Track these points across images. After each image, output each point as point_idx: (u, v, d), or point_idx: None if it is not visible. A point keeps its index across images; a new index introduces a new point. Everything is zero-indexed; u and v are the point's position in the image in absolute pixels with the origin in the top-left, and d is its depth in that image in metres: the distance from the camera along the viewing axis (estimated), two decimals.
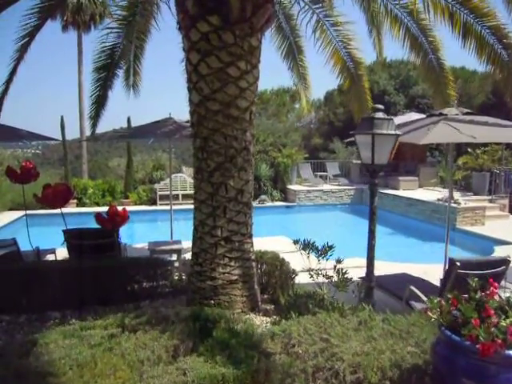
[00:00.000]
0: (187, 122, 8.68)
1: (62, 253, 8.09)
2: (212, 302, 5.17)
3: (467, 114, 5.51)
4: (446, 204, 11.79)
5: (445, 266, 6.37)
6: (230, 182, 5.11)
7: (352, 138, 4.38)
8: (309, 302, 4.02)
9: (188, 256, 7.62)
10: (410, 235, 11.70)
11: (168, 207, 13.76)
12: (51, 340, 2.38)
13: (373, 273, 4.21)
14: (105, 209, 4.79)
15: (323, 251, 4.06)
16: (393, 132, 3.77)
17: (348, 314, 3.27)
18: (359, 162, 19.11)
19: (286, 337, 2.90)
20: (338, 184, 17.05)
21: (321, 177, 17.78)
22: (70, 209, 14.23)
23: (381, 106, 3.82)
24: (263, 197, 15.04)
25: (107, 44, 7.13)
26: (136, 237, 12.09)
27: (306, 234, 10.97)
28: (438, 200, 12.24)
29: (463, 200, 11.86)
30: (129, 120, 15.01)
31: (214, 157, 5.06)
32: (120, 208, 4.38)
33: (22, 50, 6.87)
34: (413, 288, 4.86)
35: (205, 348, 2.26)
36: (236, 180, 5.14)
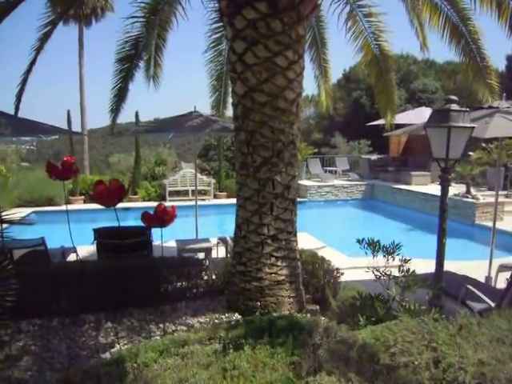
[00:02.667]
0: (212, 115, 8.44)
1: (83, 251, 7.82)
2: (258, 303, 4.95)
3: None
4: (464, 199, 11.67)
5: (490, 262, 6.20)
6: (277, 178, 4.88)
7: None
8: (376, 304, 3.80)
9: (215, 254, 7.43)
10: (428, 231, 11.51)
11: (179, 203, 13.58)
12: (149, 359, 2.12)
13: (442, 273, 3.99)
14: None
15: (390, 250, 3.83)
16: (469, 124, 3.56)
17: (437, 318, 3.05)
18: (368, 157, 18.98)
19: (381, 345, 2.68)
20: (348, 179, 16.87)
21: (330, 172, 17.59)
22: (78, 205, 13.92)
23: (455, 97, 3.60)
24: None
25: (132, 34, 6.83)
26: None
27: (320, 229, 10.81)
28: (455, 195, 12.08)
29: (481, 195, 11.72)
30: (137, 115, 14.66)
31: (260, 151, 4.82)
32: (168, 206, 4.12)
33: (43, 39, 6.58)
34: (471, 288, 4.66)
35: (329, 364, 2.02)
36: (283, 175, 4.92)
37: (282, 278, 4.98)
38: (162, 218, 4.10)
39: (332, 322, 2.75)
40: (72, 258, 7.16)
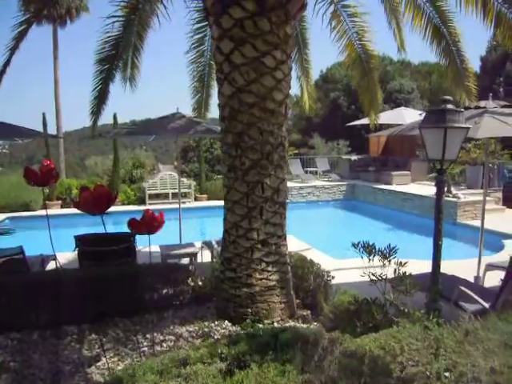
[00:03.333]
0: (195, 117, 8.26)
1: (62, 259, 7.53)
2: (249, 310, 4.81)
3: (505, 106, 5.34)
4: (445, 198, 11.77)
5: (479, 262, 6.20)
6: (266, 181, 4.75)
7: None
8: (373, 308, 3.71)
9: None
10: (410, 231, 11.60)
11: (159, 206, 13.31)
12: (149, 382, 1.95)
13: (439, 276, 3.94)
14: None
15: (387, 254, 3.75)
16: (464, 125, 3.51)
17: (440, 323, 2.98)
18: (348, 157, 19.06)
19: (387, 354, 2.58)
20: (329, 180, 16.88)
21: (311, 173, 17.58)
22: (55, 210, 13.48)
23: (450, 98, 3.54)
24: None
25: (112, 34, 6.61)
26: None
27: (303, 231, 10.73)
28: None
29: (461, 194, 11.86)
30: (115, 117, 14.31)
31: (249, 153, 4.69)
32: (156, 212, 3.94)
33: (18, 38, 6.30)
34: (464, 289, 4.63)
35: (344, 382, 1.90)
36: (273, 178, 4.80)
37: (273, 283, 4.86)
38: (151, 224, 3.93)
39: (336, 333, 2.64)
40: (51, 265, 6.90)
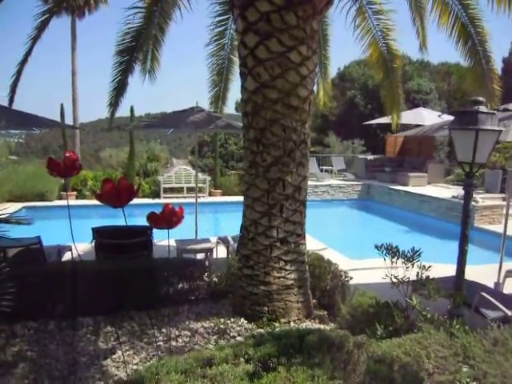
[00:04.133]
0: (214, 111, 8.21)
1: (78, 250, 7.54)
2: (266, 308, 4.76)
3: None
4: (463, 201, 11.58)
5: (500, 268, 6.06)
6: (287, 178, 4.68)
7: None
8: (394, 312, 3.63)
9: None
10: (427, 233, 11.42)
11: (173, 200, 13.31)
12: (172, 381, 1.90)
13: (463, 281, 3.84)
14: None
15: (410, 257, 3.66)
16: (497, 128, 3.40)
17: (467, 331, 2.89)
18: (364, 156, 18.88)
19: (413, 361, 2.50)
20: (344, 179, 16.74)
21: (326, 171, 17.44)
22: (70, 201, 13.56)
23: (481, 99, 3.43)
24: None
25: (133, 25, 6.57)
26: None
27: (318, 230, 10.64)
28: (453, 197, 12.00)
29: (480, 198, 11.64)
30: (132, 109, 14.35)
31: (271, 150, 4.62)
32: (176, 207, 3.89)
33: (41, 28, 6.31)
34: (486, 295, 4.52)
35: None
36: (294, 176, 4.73)
37: (291, 282, 4.80)
38: (170, 219, 3.86)
39: (362, 337, 2.57)
40: (67, 256, 6.92)
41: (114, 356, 4.25)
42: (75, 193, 13.84)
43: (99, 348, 4.41)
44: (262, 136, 4.62)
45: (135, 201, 12.66)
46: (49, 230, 8.04)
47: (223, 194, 15.55)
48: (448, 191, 13.28)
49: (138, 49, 6.91)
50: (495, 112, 3.49)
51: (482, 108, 3.39)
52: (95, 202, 12.65)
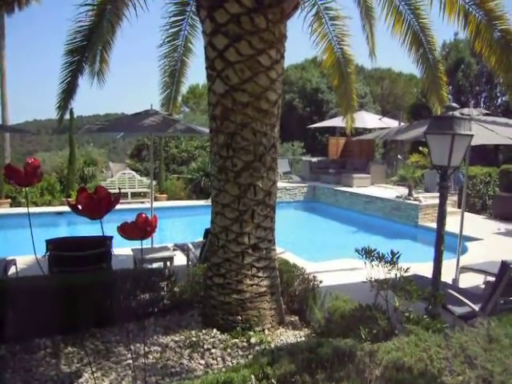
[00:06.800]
0: (169, 115, 7.94)
1: (22, 263, 6.96)
2: (239, 318, 4.64)
3: (486, 114, 5.50)
4: (407, 201, 12.11)
5: (457, 264, 6.33)
6: (258, 183, 4.60)
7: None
8: (377, 315, 3.65)
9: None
10: (373, 233, 11.81)
11: (118, 206, 12.71)
12: None
13: (440, 280, 3.95)
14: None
15: (390, 260, 3.71)
16: (470, 132, 3.53)
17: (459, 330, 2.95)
18: (309, 159, 19.23)
19: (417, 364, 2.51)
20: (289, 181, 16.93)
21: None
22: (3, 209, 12.57)
23: (456, 105, 3.56)
24: None
25: (85, 23, 6.19)
26: None
27: None
28: (398, 197, 12.52)
29: (422, 197, 12.24)
30: (71, 111, 13.51)
31: (241, 155, 4.52)
32: (149, 216, 3.67)
33: None
34: (452, 292, 4.70)
35: None
36: (265, 181, 4.65)
37: (264, 289, 4.72)
38: (144, 228, 3.63)
39: (345, 341, 2.53)
40: (12, 271, 6.36)
41: (80, 380, 3.93)
42: (9, 200, 12.85)
43: (63, 372, 4.05)
44: (232, 140, 4.50)
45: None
46: None
47: (168, 199, 15.16)
48: (391, 191, 13.84)
49: (89, 49, 6.53)
50: (468, 117, 3.63)
51: (457, 113, 3.51)
52: (32, 209, 11.95)
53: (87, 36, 6.20)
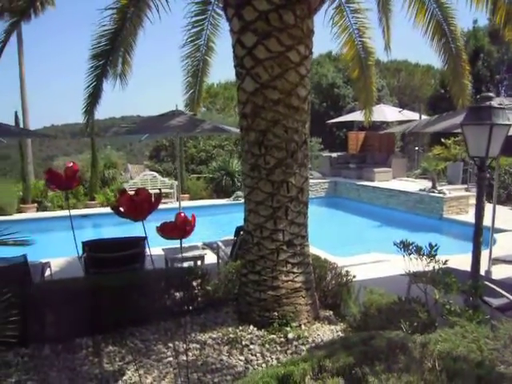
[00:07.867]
0: (194, 114, 7.99)
1: (55, 265, 7.09)
2: (275, 314, 4.66)
3: None
4: (431, 194, 11.97)
5: (490, 256, 6.24)
6: (291, 180, 4.61)
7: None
8: (417, 308, 3.63)
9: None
10: (397, 227, 11.70)
11: None
12: None
13: (479, 272, 3.91)
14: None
15: (429, 253, 3.69)
16: (508, 122, 3.48)
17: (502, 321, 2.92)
18: (329, 154, 19.12)
19: (477, 356, 2.49)
20: (311, 177, 16.85)
21: None
22: (30, 214, 12.82)
23: (492, 95, 3.51)
24: (239, 193, 14.48)
25: (109, 27, 6.27)
26: None
27: None
28: (421, 190, 12.38)
29: (446, 190, 12.08)
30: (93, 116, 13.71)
31: (274, 152, 4.53)
32: (188, 215, 3.71)
33: None
34: (489, 283, 4.63)
35: None
36: (297, 177, 4.67)
37: (299, 284, 4.73)
38: (184, 228, 3.67)
39: (427, 336, 2.53)
40: (47, 273, 6.50)
41: (124, 377, 4.00)
42: (35, 205, 13.09)
43: (106, 370, 4.13)
44: (264, 138, 4.52)
45: (100, 210, 12.22)
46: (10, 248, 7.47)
47: (191, 199, 15.25)
48: (414, 185, 13.70)
49: (113, 52, 6.60)
50: (505, 107, 3.58)
51: (494, 103, 3.46)
52: (59, 213, 12.10)
53: (111, 40, 6.28)
